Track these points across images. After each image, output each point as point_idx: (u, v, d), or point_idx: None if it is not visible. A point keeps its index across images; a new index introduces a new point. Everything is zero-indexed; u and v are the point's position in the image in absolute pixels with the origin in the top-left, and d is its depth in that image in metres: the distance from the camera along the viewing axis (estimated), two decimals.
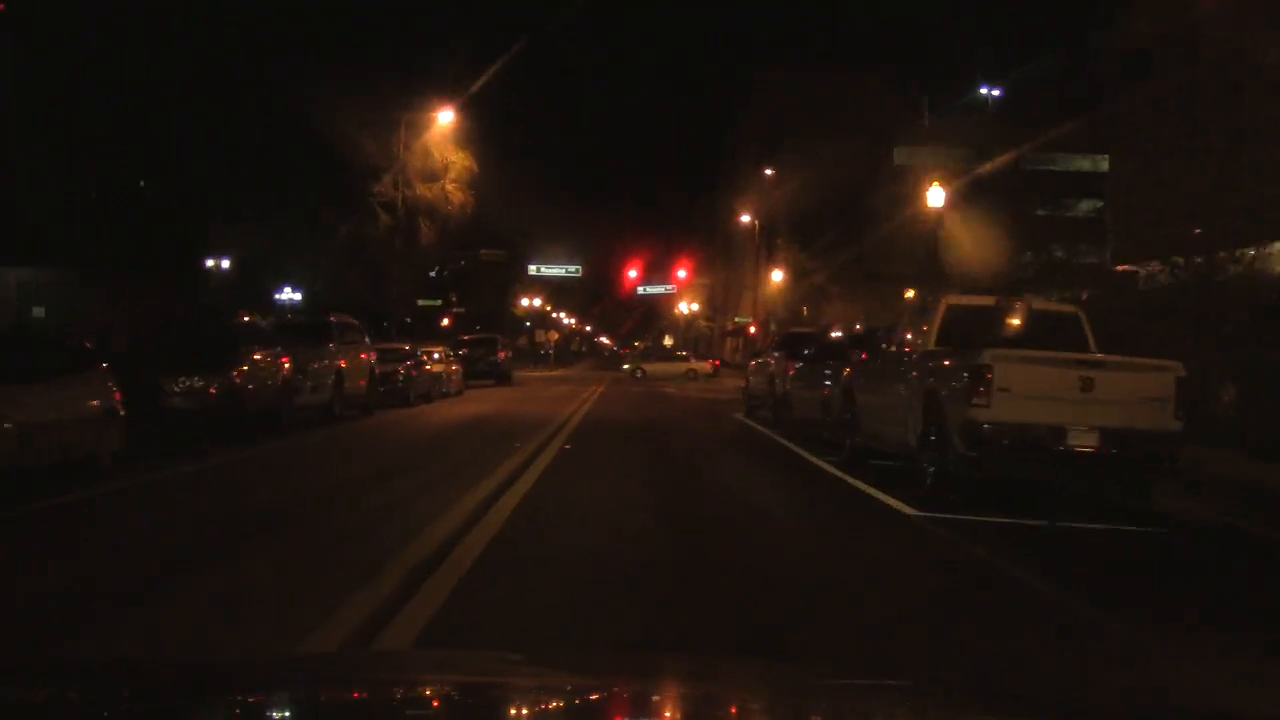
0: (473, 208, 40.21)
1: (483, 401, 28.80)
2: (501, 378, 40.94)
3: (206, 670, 2.56)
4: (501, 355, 41.37)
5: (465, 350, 41.27)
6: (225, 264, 47.76)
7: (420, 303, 50.00)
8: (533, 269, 66.36)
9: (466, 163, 37.86)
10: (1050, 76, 72.25)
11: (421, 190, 37.03)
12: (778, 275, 47.09)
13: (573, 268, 67.20)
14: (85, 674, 2.38)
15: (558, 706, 2.26)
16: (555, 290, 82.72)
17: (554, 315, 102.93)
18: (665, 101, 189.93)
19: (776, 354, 22.72)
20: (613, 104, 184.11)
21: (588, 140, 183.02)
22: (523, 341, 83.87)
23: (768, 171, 56.49)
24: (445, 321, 66.54)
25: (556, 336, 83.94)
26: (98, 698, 2.09)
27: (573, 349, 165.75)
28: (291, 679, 2.39)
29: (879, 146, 64.94)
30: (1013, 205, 61.25)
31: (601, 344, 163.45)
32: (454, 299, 64.81)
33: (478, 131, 39.76)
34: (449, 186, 37.72)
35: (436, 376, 28.14)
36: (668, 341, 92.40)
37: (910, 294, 36.42)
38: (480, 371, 40.27)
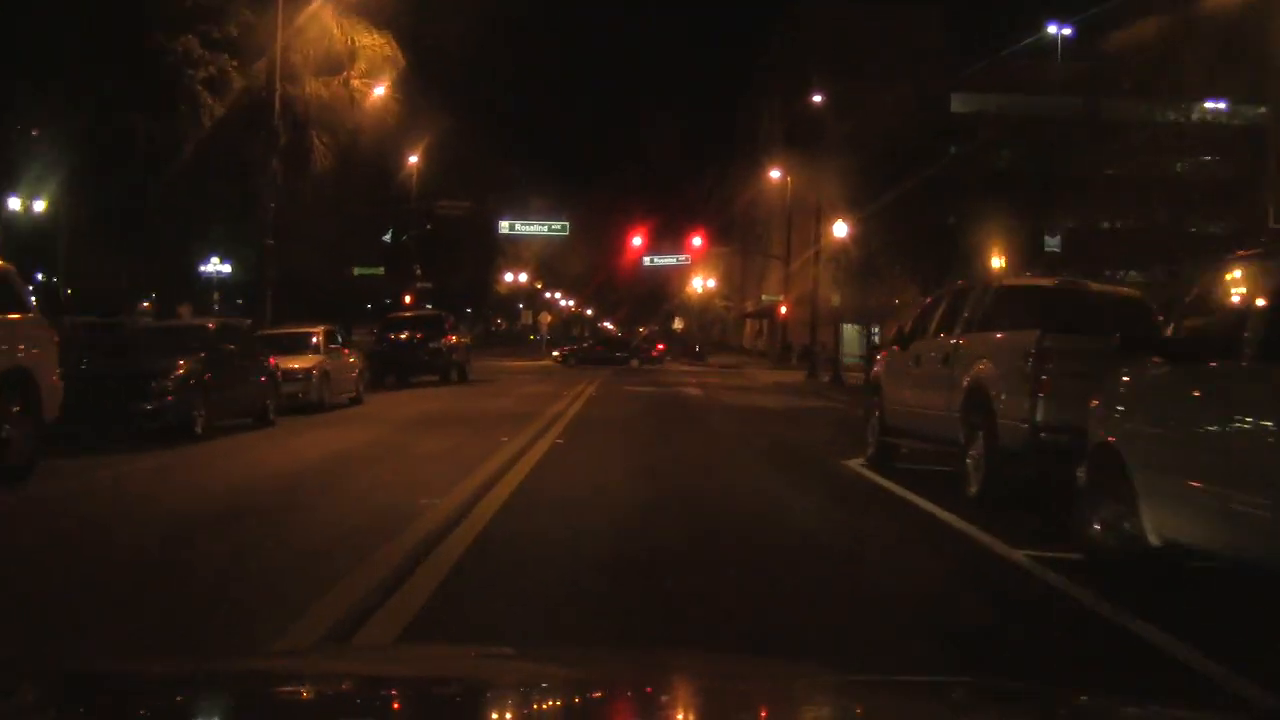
0: (398, 119, 27.79)
1: (365, 425, 16.60)
2: (446, 372, 28.75)
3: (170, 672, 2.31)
4: (450, 340, 29.16)
5: (390, 335, 29.05)
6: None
7: (357, 271, 37.93)
8: (505, 226, 53.08)
9: (385, 50, 25.35)
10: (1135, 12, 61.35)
11: (313, 88, 24.54)
12: (841, 229, 34.46)
13: (557, 225, 53.61)
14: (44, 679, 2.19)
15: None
16: (548, 265, 70.43)
17: (550, 296, 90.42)
18: (679, 36, 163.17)
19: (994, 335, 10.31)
20: (616, 35, 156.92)
21: (584, 74, 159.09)
22: (502, 324, 71.84)
23: (817, 98, 44.07)
24: (407, 299, 54.30)
25: (550, 319, 71.74)
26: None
27: (574, 334, 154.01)
28: (272, 678, 2.32)
29: (934, 92, 52.92)
30: (1090, 164, 50.01)
31: (605, 329, 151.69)
32: (418, 272, 52.40)
33: (423, 32, 27.48)
34: (355, 83, 25.19)
35: (262, 384, 15.97)
36: (678, 325, 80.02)
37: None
38: (416, 364, 28.11)
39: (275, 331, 20.11)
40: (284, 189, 24.08)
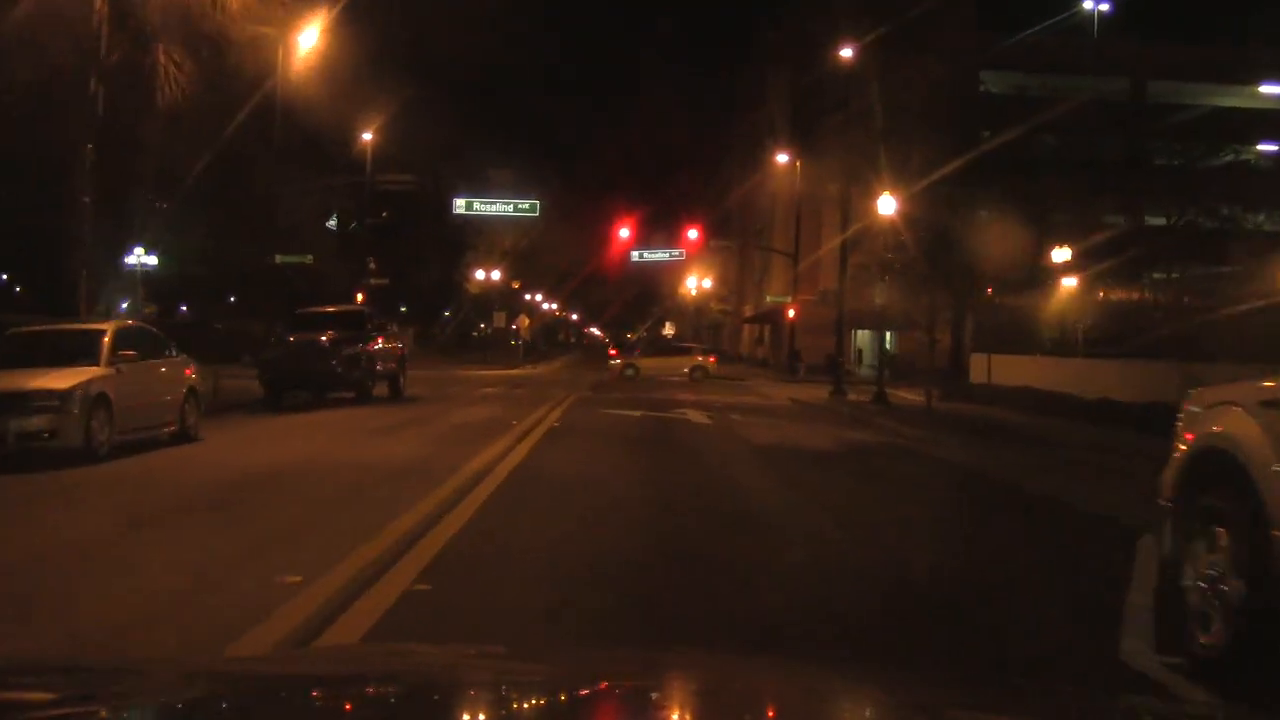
0: (322, 66, 20.60)
1: (92, 505, 9.26)
2: (364, 386, 21.40)
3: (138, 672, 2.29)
4: (371, 346, 21.80)
5: (290, 337, 21.68)
6: None
7: (279, 259, 30.70)
8: (460, 205, 45.07)
9: None
10: None
11: None
12: (888, 204, 27.24)
13: (525, 204, 45.55)
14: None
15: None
16: (526, 261, 62.99)
17: (531, 298, 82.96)
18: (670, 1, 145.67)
19: None
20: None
21: (564, 42, 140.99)
22: (485, 328, 64.37)
23: (845, 52, 37.01)
24: (360, 297, 46.97)
25: (528, 322, 64.35)
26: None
27: (561, 339, 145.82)
28: (250, 678, 2.31)
29: (963, 67, 46.18)
30: (1126, 150, 43.85)
31: (592, 335, 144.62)
32: (371, 266, 45.10)
33: None
34: None
35: None
36: (669, 330, 72.72)
37: None
38: (320, 377, 20.78)
39: (32, 330, 12.72)
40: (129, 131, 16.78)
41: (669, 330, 72.33)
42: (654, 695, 2.18)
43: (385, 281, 47.10)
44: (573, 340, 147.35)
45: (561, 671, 2.41)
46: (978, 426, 18.46)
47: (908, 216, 40.97)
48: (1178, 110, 48.38)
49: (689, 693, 2.21)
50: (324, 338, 21.15)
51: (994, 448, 15.54)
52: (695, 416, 20.25)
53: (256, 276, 36.30)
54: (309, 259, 32.12)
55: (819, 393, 34.67)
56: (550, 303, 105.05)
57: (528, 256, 62.03)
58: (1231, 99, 54.00)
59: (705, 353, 44.89)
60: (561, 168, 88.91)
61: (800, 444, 15.95)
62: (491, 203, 39.01)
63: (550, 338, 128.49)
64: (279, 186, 30.74)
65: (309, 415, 18.56)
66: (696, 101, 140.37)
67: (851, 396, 30.17)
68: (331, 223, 41.25)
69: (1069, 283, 37.63)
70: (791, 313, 48.21)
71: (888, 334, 58.88)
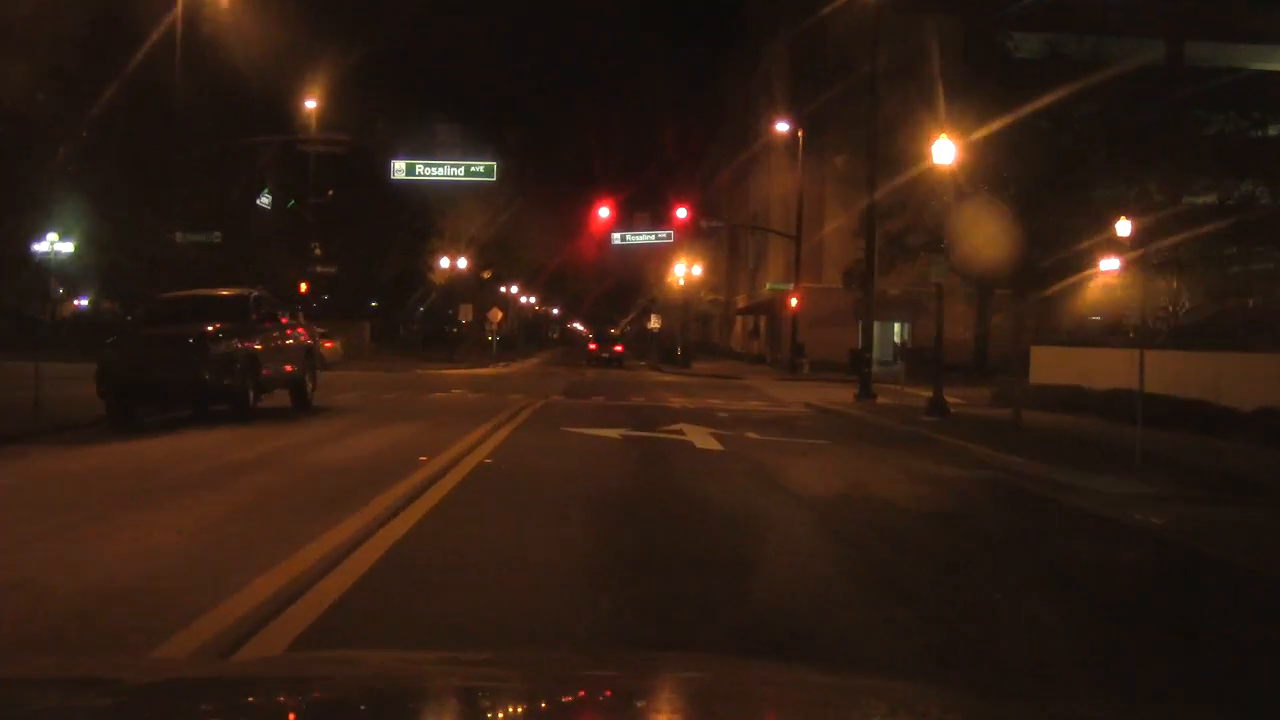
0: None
1: None
2: (241, 397, 15.50)
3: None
4: (253, 344, 15.93)
5: (146, 332, 15.88)
6: None
7: (181, 237, 24.85)
8: (399, 169, 38.52)
9: None
10: None
11: None
12: (945, 151, 21.34)
13: (479, 166, 38.87)
14: None
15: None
16: (497, 249, 56.89)
17: (506, 290, 76.85)
18: None
19: None
20: None
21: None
22: (465, 323, 58.42)
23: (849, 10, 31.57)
24: (303, 288, 41.22)
25: (501, 315, 58.53)
26: None
27: (545, 336, 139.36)
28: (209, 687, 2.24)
29: (984, 26, 40.91)
30: (1167, 120, 37.82)
31: (575, 330, 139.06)
32: (317, 252, 39.27)
33: None
34: None
35: None
36: (655, 323, 66.93)
37: None
38: (176, 385, 14.92)
39: None
40: None
41: (654, 323, 66.55)
42: (639, 703, 2.13)
43: (333, 270, 41.28)
44: (555, 336, 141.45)
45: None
46: (1113, 451, 12.77)
47: (928, 190, 35.36)
48: (1218, 75, 43.23)
49: (676, 700, 2.13)
50: (187, 332, 15.30)
51: (1197, 502, 9.84)
52: (697, 437, 14.45)
53: (174, 263, 30.45)
54: (216, 237, 26.27)
55: (837, 394, 29.01)
56: (528, 296, 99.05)
57: (499, 243, 56.08)
58: (1273, 62, 49.14)
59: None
60: (529, 137, 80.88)
61: (872, 492, 10.20)
62: (438, 164, 32.82)
63: (532, 334, 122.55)
64: (184, 149, 24.88)
65: (141, 443, 12.72)
66: (683, 70, 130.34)
67: (882, 400, 24.54)
68: (264, 200, 35.42)
69: (1110, 265, 32.18)
70: (794, 301, 42.53)
71: (896, 325, 53.38)
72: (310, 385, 18.66)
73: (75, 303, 45.16)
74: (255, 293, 17.63)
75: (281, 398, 17.90)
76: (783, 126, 43.49)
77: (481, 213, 51.59)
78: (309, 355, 18.72)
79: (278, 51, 28.46)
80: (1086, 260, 33.46)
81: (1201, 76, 44.71)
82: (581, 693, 2.18)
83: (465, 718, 2.04)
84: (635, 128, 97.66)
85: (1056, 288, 39.30)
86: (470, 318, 49.81)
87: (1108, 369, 21.40)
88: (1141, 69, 38.35)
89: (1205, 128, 40.71)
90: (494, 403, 21.23)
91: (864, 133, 39.02)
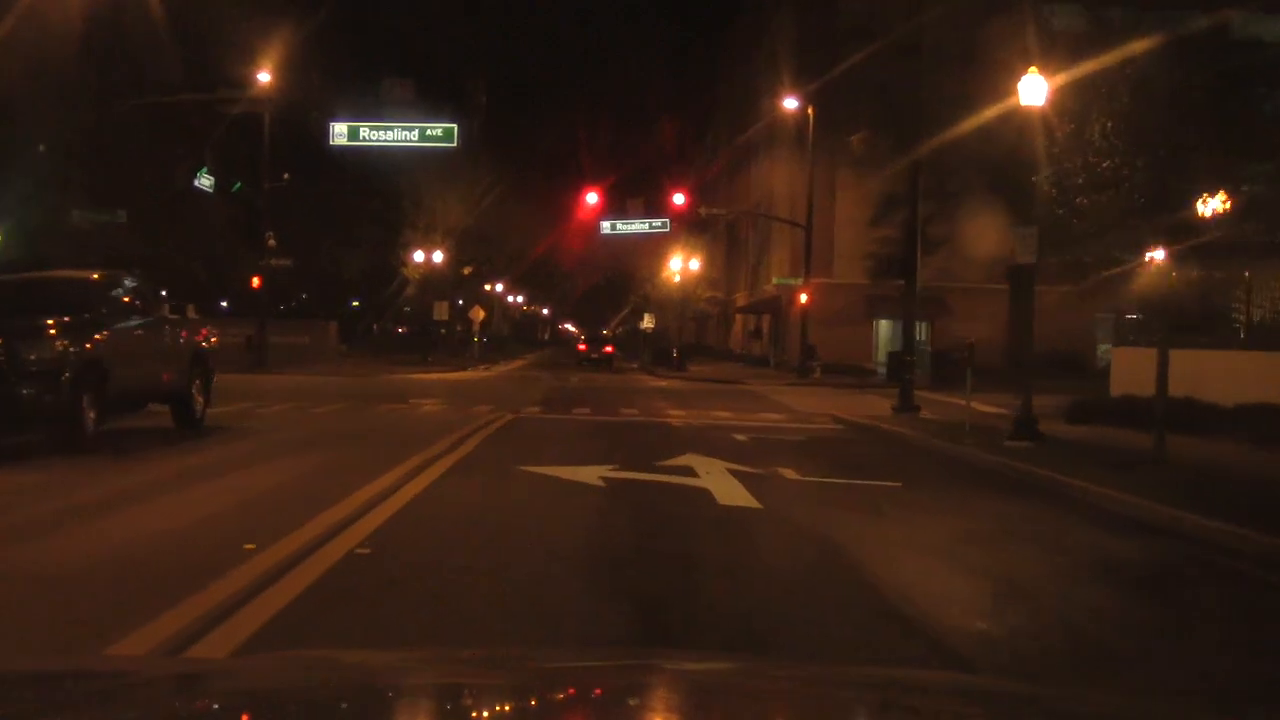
0: None
1: None
2: (68, 426, 10.93)
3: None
4: (95, 347, 11.40)
5: None
6: None
7: (78, 215, 20.40)
8: (339, 132, 33.31)
9: None
10: None
11: None
12: (1033, 90, 16.57)
13: (436, 130, 33.64)
14: None
15: None
16: (476, 241, 52.14)
17: (492, 289, 72.16)
18: None
19: None
20: None
21: None
22: (460, 328, 53.92)
23: None
24: (255, 282, 36.83)
25: (483, 314, 53.94)
26: None
27: (545, 338, 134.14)
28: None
29: None
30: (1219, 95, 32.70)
31: (567, 330, 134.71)
32: (270, 243, 34.73)
33: None
34: None
35: None
36: (648, 323, 62.40)
37: None
38: None
39: None
40: None
41: (647, 323, 62.00)
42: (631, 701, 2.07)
43: (288, 262, 36.73)
44: (546, 336, 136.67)
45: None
46: None
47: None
48: (1266, 48, 38.88)
49: (667, 698, 2.07)
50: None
51: None
52: (716, 481, 9.89)
53: (87, 248, 25.88)
54: (120, 216, 21.65)
55: (866, 404, 24.60)
56: (515, 295, 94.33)
57: (479, 235, 51.35)
58: None
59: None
60: (508, 116, 75.03)
61: (1063, 615, 5.72)
62: (387, 127, 27.98)
63: (521, 334, 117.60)
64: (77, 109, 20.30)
65: None
66: (677, 48, 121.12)
67: (926, 413, 20.09)
68: (204, 182, 30.89)
69: (1155, 255, 27.68)
70: (804, 298, 38.04)
71: (919, 325, 48.87)
72: (200, 399, 14.11)
73: None
74: (109, 277, 13.06)
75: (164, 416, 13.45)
76: (790, 103, 38.99)
77: (458, 200, 46.97)
78: (197, 361, 14.15)
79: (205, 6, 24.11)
80: (1135, 246, 29.27)
81: (1253, 49, 40.13)
82: (571, 690, 2.12)
83: (451, 715, 1.96)
84: (625, 109, 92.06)
85: (1102, 276, 35.01)
86: (445, 316, 45.19)
87: (1231, 377, 16.97)
88: (1189, 37, 34.01)
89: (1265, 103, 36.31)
90: (450, 418, 16.71)
91: (885, 105, 34.73)
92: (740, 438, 14.91)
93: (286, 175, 35.99)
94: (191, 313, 15.23)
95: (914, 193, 21.00)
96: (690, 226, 46.98)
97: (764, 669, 2.67)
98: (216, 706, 1.95)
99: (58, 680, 2.05)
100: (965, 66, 28.45)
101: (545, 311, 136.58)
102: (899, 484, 10.62)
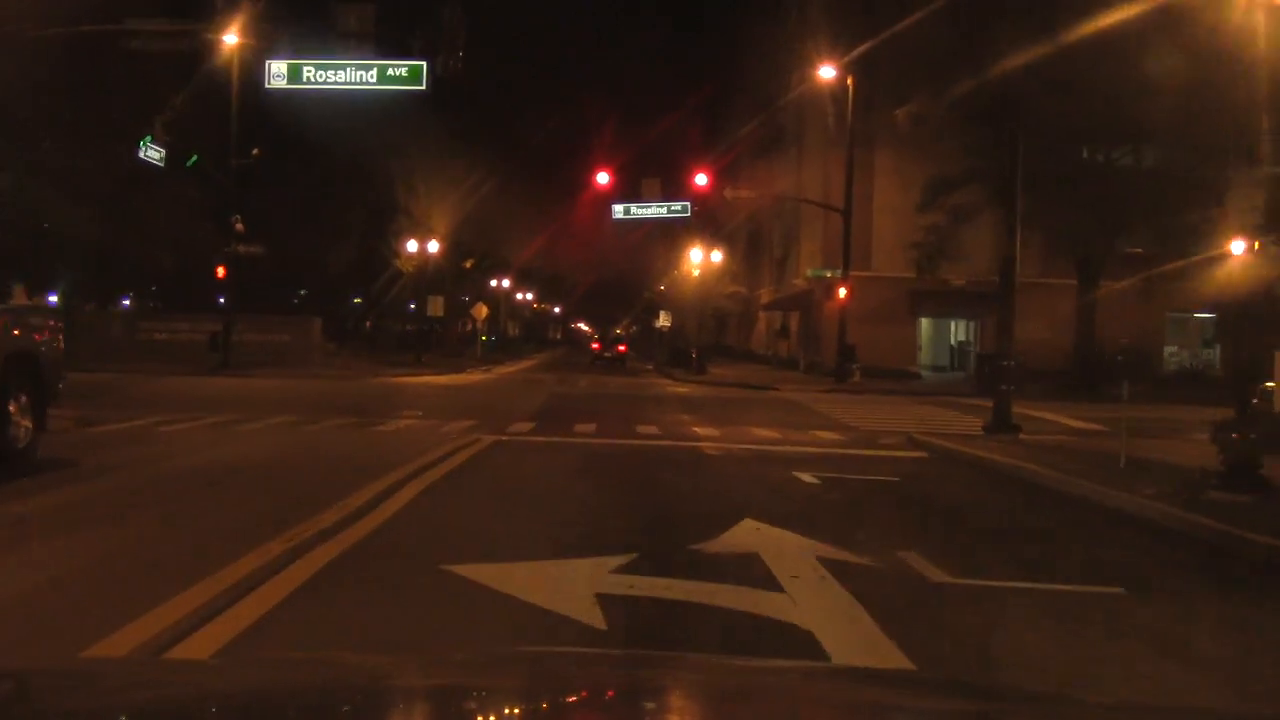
0: None
1: None
2: None
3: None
4: None
5: None
6: None
7: None
8: (278, 72, 28.34)
9: None
10: None
11: None
12: None
13: (403, 70, 28.51)
14: None
15: None
16: (475, 228, 47.61)
17: (498, 285, 67.74)
18: None
19: None
20: None
21: None
22: (468, 325, 49.77)
23: None
24: (220, 271, 32.65)
25: (486, 311, 49.59)
26: None
27: (557, 337, 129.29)
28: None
29: None
30: None
31: (578, 330, 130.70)
32: (238, 226, 30.43)
33: None
34: None
35: None
36: (663, 321, 57.89)
37: None
38: None
39: None
40: None
41: (663, 321, 57.50)
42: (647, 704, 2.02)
43: (257, 250, 32.39)
44: (558, 336, 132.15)
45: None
46: None
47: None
48: None
49: (679, 699, 2.02)
50: None
51: None
52: (807, 594, 5.43)
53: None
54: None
55: (933, 418, 20.17)
56: (523, 292, 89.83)
57: (479, 223, 46.83)
58: None
59: None
60: (511, 89, 68.67)
61: None
62: (337, 65, 23.37)
63: (532, 333, 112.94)
64: None
65: None
66: (694, 9, 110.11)
67: (1029, 434, 15.55)
68: (151, 154, 26.53)
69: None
70: (842, 292, 33.48)
71: (954, 324, 44.31)
72: (24, 423, 9.68)
73: None
74: None
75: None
76: (826, 73, 34.42)
77: (453, 183, 42.56)
78: (20, 366, 9.72)
79: None
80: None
81: None
82: (584, 693, 2.06)
83: (449, 717, 1.89)
84: (639, 82, 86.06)
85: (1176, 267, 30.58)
86: (440, 312, 40.74)
87: None
88: None
89: None
90: (406, 444, 12.29)
91: (938, 71, 30.22)
92: (806, 478, 10.40)
93: (256, 150, 31.59)
94: (20, 297, 10.67)
95: (1014, 159, 16.46)
96: (708, 217, 42.20)
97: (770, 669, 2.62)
98: (210, 708, 1.87)
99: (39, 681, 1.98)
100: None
101: (557, 310, 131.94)
102: (1116, 588, 6.09)
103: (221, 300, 33.50)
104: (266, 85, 23.42)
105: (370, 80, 22.73)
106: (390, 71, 22.76)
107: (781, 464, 11.67)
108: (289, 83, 23.20)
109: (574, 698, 2.02)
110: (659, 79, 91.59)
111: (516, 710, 1.92)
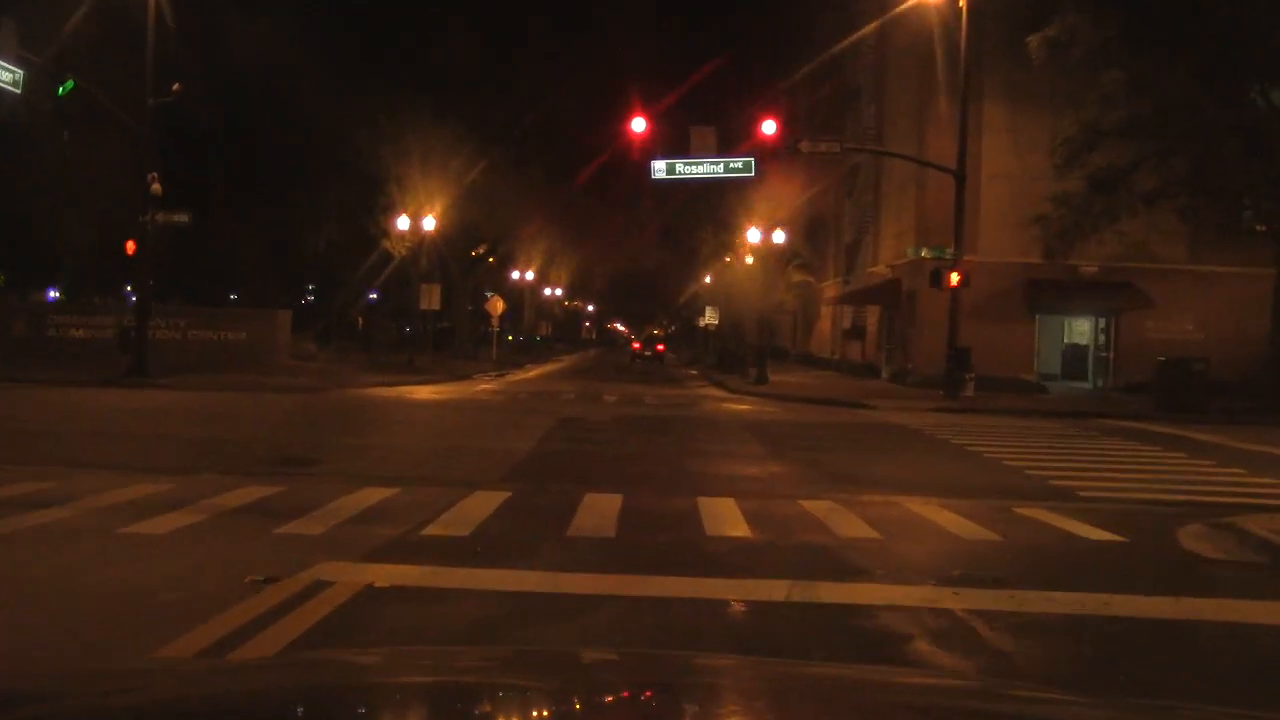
0: None
1: None
2: None
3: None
4: None
5: None
6: None
7: None
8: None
9: None
10: None
11: None
12: None
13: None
14: None
15: None
16: (480, 199, 39.23)
17: (521, 278, 59.32)
18: None
19: None
20: None
21: None
22: (495, 325, 41.70)
23: None
24: (129, 247, 24.79)
25: (502, 306, 41.48)
26: None
27: (592, 337, 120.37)
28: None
29: None
30: None
31: (615, 330, 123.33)
32: (154, 186, 22.59)
33: None
34: None
35: None
36: (710, 319, 49.40)
37: None
38: None
39: None
40: None
41: (710, 318, 49.01)
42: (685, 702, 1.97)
43: (183, 218, 24.62)
44: (593, 335, 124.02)
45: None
46: None
47: None
48: None
49: (708, 698, 1.98)
50: None
51: None
52: None
53: None
54: None
55: (1158, 462, 11.79)
56: (551, 287, 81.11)
57: (488, 196, 38.50)
58: None
59: None
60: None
61: None
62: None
63: (564, 333, 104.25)
64: None
65: None
66: None
67: None
68: (3, 74, 18.76)
69: None
70: (955, 278, 24.92)
71: (1094, 321, 35.53)
72: None
73: None
74: None
75: None
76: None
77: (452, 147, 34.45)
78: None
79: None
80: None
81: None
82: (614, 696, 2.01)
83: (454, 716, 1.85)
84: (681, 32, 74.98)
85: None
86: (437, 305, 32.59)
87: None
88: None
89: None
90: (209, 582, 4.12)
91: None
92: None
93: (177, 85, 23.65)
94: None
95: None
96: (801, 165, 33.13)
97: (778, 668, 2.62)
98: (210, 709, 1.83)
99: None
100: None
101: (590, 309, 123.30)
102: None
103: (135, 288, 25.54)
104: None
105: None
106: None
107: None
108: None
109: (574, 698, 1.94)
110: (703, 29, 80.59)
111: (517, 711, 1.88)
